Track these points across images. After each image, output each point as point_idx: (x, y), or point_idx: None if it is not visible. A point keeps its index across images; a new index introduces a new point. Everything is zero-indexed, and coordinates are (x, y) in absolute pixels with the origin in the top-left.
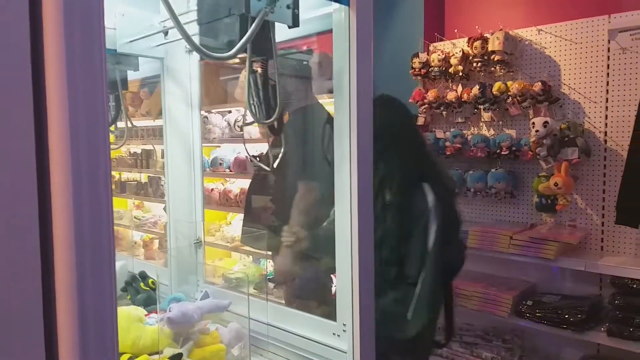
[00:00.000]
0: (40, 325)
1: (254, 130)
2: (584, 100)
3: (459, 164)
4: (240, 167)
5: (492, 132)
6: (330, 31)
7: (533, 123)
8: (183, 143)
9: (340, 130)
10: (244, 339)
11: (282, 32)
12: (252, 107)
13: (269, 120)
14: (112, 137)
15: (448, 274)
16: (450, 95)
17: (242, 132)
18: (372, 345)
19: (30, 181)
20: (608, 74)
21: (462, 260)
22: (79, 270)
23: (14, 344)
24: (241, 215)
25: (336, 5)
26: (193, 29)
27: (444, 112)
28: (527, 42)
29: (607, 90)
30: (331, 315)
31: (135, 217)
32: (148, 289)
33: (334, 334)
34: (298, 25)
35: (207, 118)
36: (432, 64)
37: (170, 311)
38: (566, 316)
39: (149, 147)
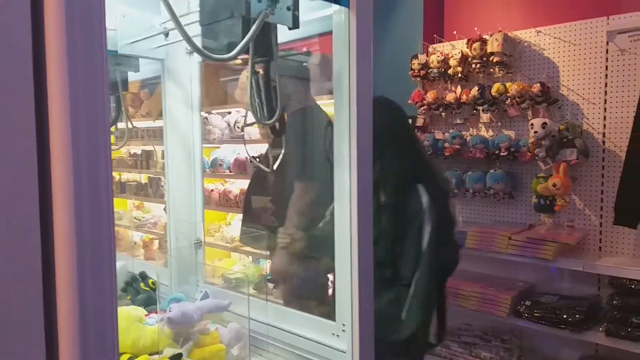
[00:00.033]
0: (40, 325)
1: (253, 131)
2: (582, 101)
3: (457, 165)
4: (240, 167)
5: (491, 133)
6: (330, 33)
7: (532, 124)
8: (183, 144)
9: (340, 131)
10: (244, 339)
11: (282, 34)
12: (255, 108)
13: (270, 121)
14: (112, 138)
15: (442, 275)
16: (449, 97)
17: (242, 133)
18: (372, 345)
19: (31, 181)
20: (606, 75)
21: (457, 261)
22: (80, 271)
23: (15, 343)
24: (241, 216)
25: (336, 6)
26: (193, 31)
27: (443, 113)
28: (525, 44)
29: (606, 92)
30: (328, 314)
31: (135, 218)
32: (148, 289)
33: (333, 334)
34: (298, 27)
35: (207, 119)
36: (431, 66)
37: (170, 311)
38: (564, 316)
39: (149, 147)
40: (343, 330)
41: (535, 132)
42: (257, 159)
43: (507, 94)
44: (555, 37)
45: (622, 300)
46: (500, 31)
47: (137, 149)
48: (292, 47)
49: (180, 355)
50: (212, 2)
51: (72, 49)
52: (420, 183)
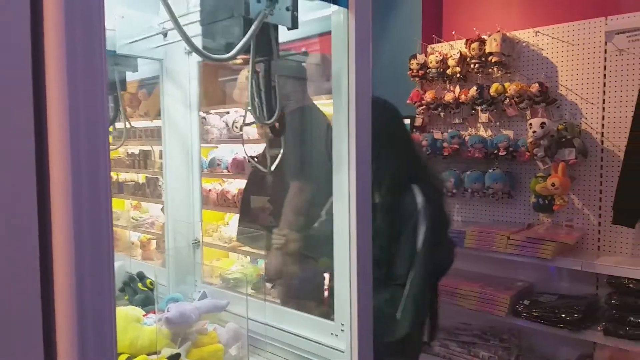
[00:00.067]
0: (39, 325)
1: (252, 131)
2: (581, 101)
3: (456, 165)
4: (238, 167)
5: (489, 133)
6: (329, 33)
7: (530, 124)
8: (181, 144)
9: (339, 131)
10: (242, 339)
11: (281, 34)
12: (255, 107)
13: (271, 121)
14: (110, 138)
15: (436, 275)
16: (448, 97)
17: (240, 133)
18: (370, 344)
19: (29, 181)
20: (605, 75)
21: (451, 260)
22: (78, 270)
23: (13, 343)
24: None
25: (335, 7)
26: (192, 31)
27: (442, 113)
28: (524, 44)
29: (604, 92)
30: (324, 314)
31: (132, 218)
32: (146, 289)
33: (332, 333)
34: (297, 27)
35: (205, 119)
36: (430, 66)
37: (168, 311)
38: (563, 315)
39: (146, 147)
40: (342, 330)
41: (534, 131)
42: (255, 159)
43: (506, 94)
44: (553, 37)
45: (621, 299)
46: (498, 31)
47: (134, 148)
48: (290, 47)
49: (178, 355)
50: (212, 3)
51: (72, 49)
52: (415, 183)
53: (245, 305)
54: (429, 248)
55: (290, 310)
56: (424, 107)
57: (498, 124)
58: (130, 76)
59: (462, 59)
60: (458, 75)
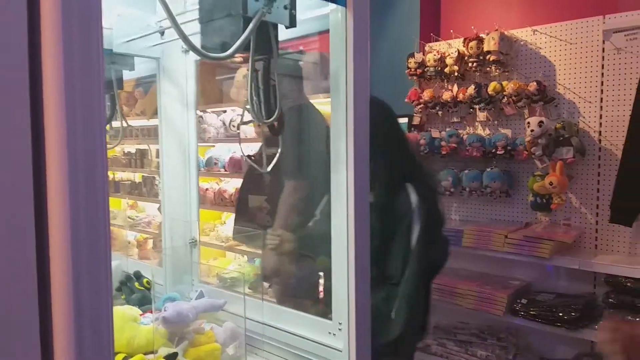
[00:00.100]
0: (36, 324)
1: (249, 130)
2: (578, 100)
3: (454, 164)
4: (235, 166)
5: (487, 131)
6: (327, 31)
7: (528, 123)
8: (178, 143)
9: (337, 129)
10: (239, 338)
11: (279, 33)
12: (253, 106)
13: (269, 120)
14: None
15: (431, 273)
16: (446, 95)
17: (237, 132)
18: (368, 343)
19: (26, 180)
20: (603, 74)
21: (445, 258)
22: (75, 269)
23: (10, 342)
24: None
25: (333, 5)
26: (189, 29)
27: (440, 112)
28: (522, 43)
29: (602, 90)
30: (319, 313)
31: (129, 217)
32: (143, 288)
33: (329, 332)
34: (295, 26)
35: (202, 117)
36: (428, 64)
37: (165, 310)
38: (560, 314)
39: (143, 146)
40: (339, 329)
41: (532, 130)
42: (252, 158)
43: (504, 93)
44: (551, 36)
45: (618, 298)
46: (496, 30)
47: (131, 147)
48: (289, 46)
49: (175, 354)
50: (210, 1)
51: (69, 48)
52: (410, 182)
53: (242, 304)
54: (422, 247)
55: (288, 310)
56: (422, 105)
57: (496, 122)
58: (126, 75)
59: (460, 58)
60: (456, 73)
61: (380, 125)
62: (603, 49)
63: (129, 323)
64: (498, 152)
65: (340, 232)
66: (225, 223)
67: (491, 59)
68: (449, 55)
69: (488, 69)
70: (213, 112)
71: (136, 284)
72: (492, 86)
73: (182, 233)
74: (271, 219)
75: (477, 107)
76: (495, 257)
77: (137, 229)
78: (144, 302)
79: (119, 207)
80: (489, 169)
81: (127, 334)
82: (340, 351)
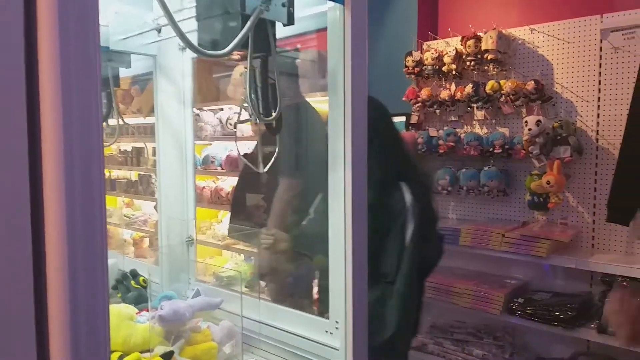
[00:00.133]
0: (31, 322)
1: (246, 128)
2: (576, 99)
3: (452, 162)
4: (231, 165)
5: (485, 130)
6: (325, 29)
7: (526, 121)
8: (175, 141)
9: (334, 128)
10: (236, 337)
11: (277, 30)
12: (251, 104)
13: (269, 118)
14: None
15: (425, 271)
16: (444, 94)
17: (234, 130)
18: (365, 342)
19: (22, 178)
20: (600, 73)
21: (440, 256)
22: (71, 267)
23: (6, 340)
24: None
25: (331, 3)
26: (186, 27)
27: (437, 111)
28: (520, 41)
29: (599, 89)
30: (314, 311)
31: (125, 215)
32: (139, 287)
33: (326, 331)
34: (293, 23)
35: (198, 115)
36: (426, 63)
37: (161, 309)
38: (557, 313)
39: (139, 144)
40: (336, 328)
41: (530, 129)
42: (248, 156)
43: (502, 92)
44: (549, 35)
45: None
46: (494, 28)
47: (127, 145)
48: (286, 44)
49: (171, 353)
50: None
51: (66, 45)
52: (403, 181)
53: (239, 303)
54: (417, 245)
55: (285, 308)
56: (419, 104)
57: (494, 121)
58: (123, 72)
59: (458, 56)
60: (454, 72)
61: (375, 124)
62: (600, 48)
63: (125, 321)
64: (495, 151)
65: (337, 230)
66: (221, 222)
67: (489, 58)
68: (447, 53)
69: (486, 67)
70: (210, 110)
71: (132, 282)
72: (489, 85)
73: (179, 231)
74: (267, 218)
75: (474, 105)
76: (493, 256)
77: (133, 227)
78: (140, 301)
79: (115, 205)
80: (486, 168)
81: (123, 332)
82: (337, 350)
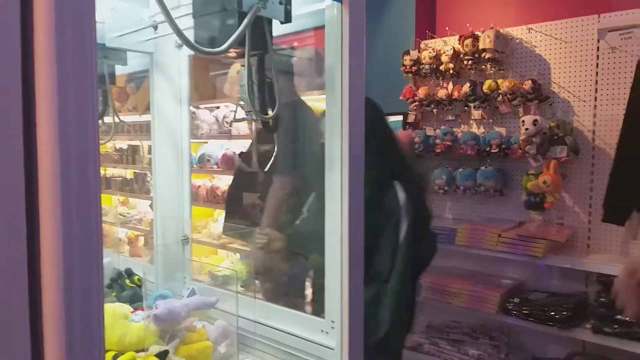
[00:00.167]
0: (26, 320)
1: (242, 127)
2: (573, 98)
3: (448, 162)
4: (227, 163)
5: (482, 130)
6: (322, 27)
7: (523, 121)
8: (171, 139)
9: (332, 126)
10: (231, 336)
11: (274, 28)
12: (248, 102)
13: (267, 117)
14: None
15: (418, 270)
16: (441, 93)
17: (230, 128)
18: (361, 341)
19: (18, 176)
20: (597, 72)
21: (433, 255)
22: (67, 265)
23: (0, 338)
24: None
25: (329, 1)
26: (183, 24)
27: (435, 110)
28: (517, 41)
29: (596, 89)
30: (311, 311)
31: (120, 214)
32: (134, 286)
33: (322, 331)
34: (290, 21)
35: (195, 114)
36: (423, 62)
37: (156, 308)
38: (552, 313)
39: (135, 142)
40: (332, 327)
41: (526, 129)
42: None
43: (499, 91)
44: (546, 35)
45: (609, 297)
46: (492, 28)
47: (122, 143)
48: (284, 42)
49: (166, 352)
50: None
51: (61, 42)
52: (397, 180)
53: (234, 302)
54: (410, 243)
55: (280, 308)
56: (416, 103)
57: (491, 121)
58: (119, 69)
59: (456, 56)
60: (451, 71)
61: (372, 124)
62: (598, 48)
63: (120, 320)
64: (492, 151)
65: (334, 230)
66: (217, 220)
67: (486, 57)
68: (445, 52)
69: (483, 66)
70: (206, 108)
71: (127, 281)
72: (487, 84)
73: (174, 230)
74: (259, 215)
75: (472, 105)
76: (489, 255)
77: (128, 225)
78: (135, 300)
79: (110, 203)
80: (483, 168)
81: (117, 331)
82: (333, 349)
